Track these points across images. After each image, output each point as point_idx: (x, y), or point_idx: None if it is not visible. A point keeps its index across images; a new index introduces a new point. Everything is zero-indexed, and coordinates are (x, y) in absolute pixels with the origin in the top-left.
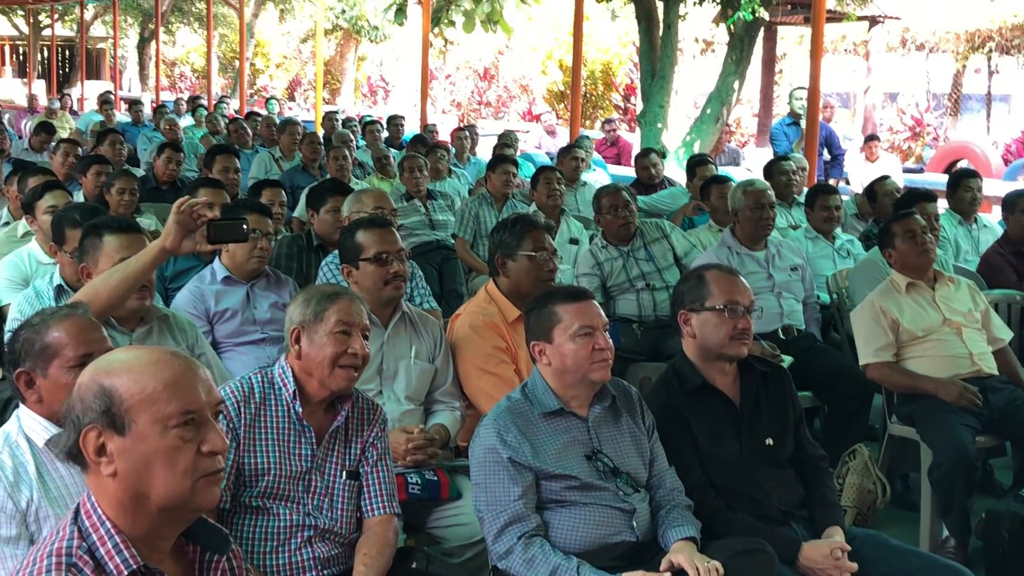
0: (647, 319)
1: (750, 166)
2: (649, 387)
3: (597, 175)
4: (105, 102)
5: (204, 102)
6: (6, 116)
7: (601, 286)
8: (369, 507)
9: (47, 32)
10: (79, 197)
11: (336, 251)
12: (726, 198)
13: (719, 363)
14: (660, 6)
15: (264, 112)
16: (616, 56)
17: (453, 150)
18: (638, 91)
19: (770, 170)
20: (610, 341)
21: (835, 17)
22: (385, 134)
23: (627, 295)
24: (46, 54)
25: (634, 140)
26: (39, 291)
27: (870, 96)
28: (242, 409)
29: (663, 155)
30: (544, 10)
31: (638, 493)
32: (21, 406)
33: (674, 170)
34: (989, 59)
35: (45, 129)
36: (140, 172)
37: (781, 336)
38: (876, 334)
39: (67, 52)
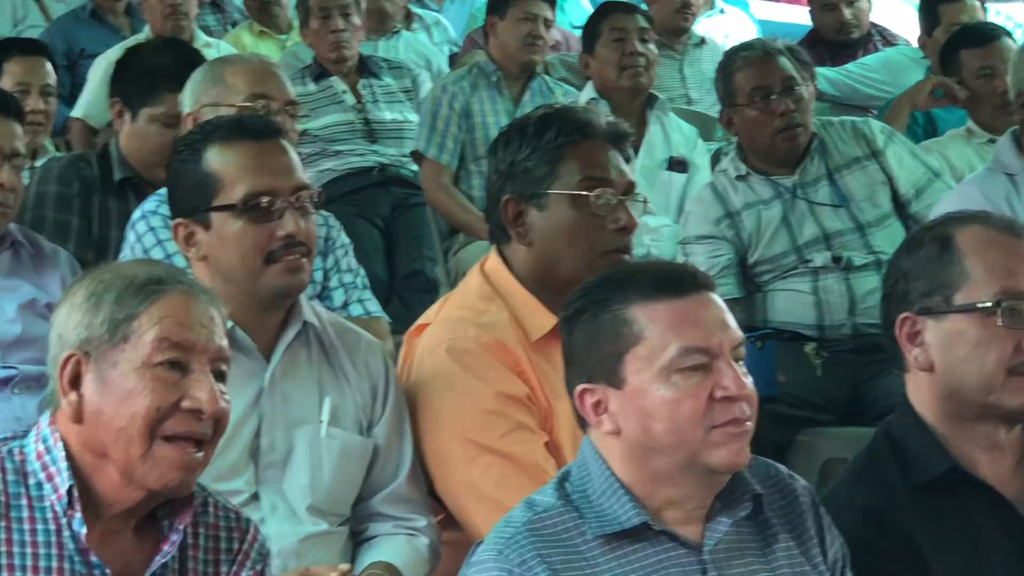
0: (836, 334)
1: None
2: (838, 478)
3: (728, 21)
4: None
5: None
6: None
7: (736, 263)
8: None
9: None
10: None
11: (161, 193)
12: (1002, 70)
13: (986, 426)
14: None
15: None
16: None
17: None
18: None
19: None
20: (750, 384)
21: None
22: None
23: (793, 282)
24: None
25: None
26: None
27: None
28: None
29: None
30: None
31: None
32: None
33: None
34: None
35: None
36: None
37: None
38: None
39: None
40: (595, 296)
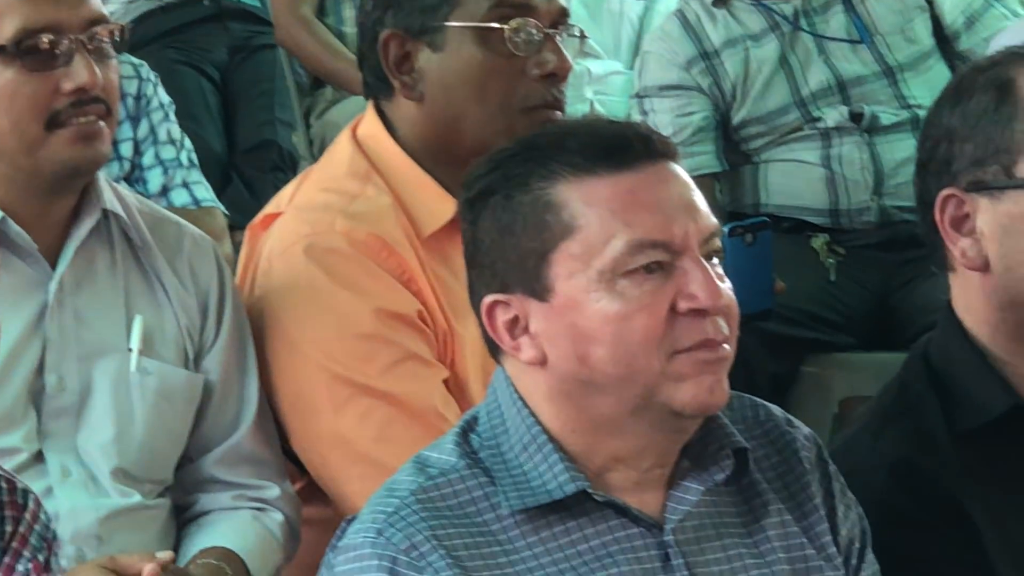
0: (856, 222)
1: None
2: (857, 423)
3: None
4: None
5: None
6: None
7: (715, 124)
8: None
9: None
10: None
11: None
12: None
13: None
14: None
15: None
16: None
17: None
18: None
19: None
20: (728, 291)
21: None
22: None
23: (796, 149)
24: None
25: None
26: None
27: None
28: None
29: None
30: None
31: None
32: None
33: None
34: None
35: None
36: None
37: None
38: None
39: None
40: (508, 171)
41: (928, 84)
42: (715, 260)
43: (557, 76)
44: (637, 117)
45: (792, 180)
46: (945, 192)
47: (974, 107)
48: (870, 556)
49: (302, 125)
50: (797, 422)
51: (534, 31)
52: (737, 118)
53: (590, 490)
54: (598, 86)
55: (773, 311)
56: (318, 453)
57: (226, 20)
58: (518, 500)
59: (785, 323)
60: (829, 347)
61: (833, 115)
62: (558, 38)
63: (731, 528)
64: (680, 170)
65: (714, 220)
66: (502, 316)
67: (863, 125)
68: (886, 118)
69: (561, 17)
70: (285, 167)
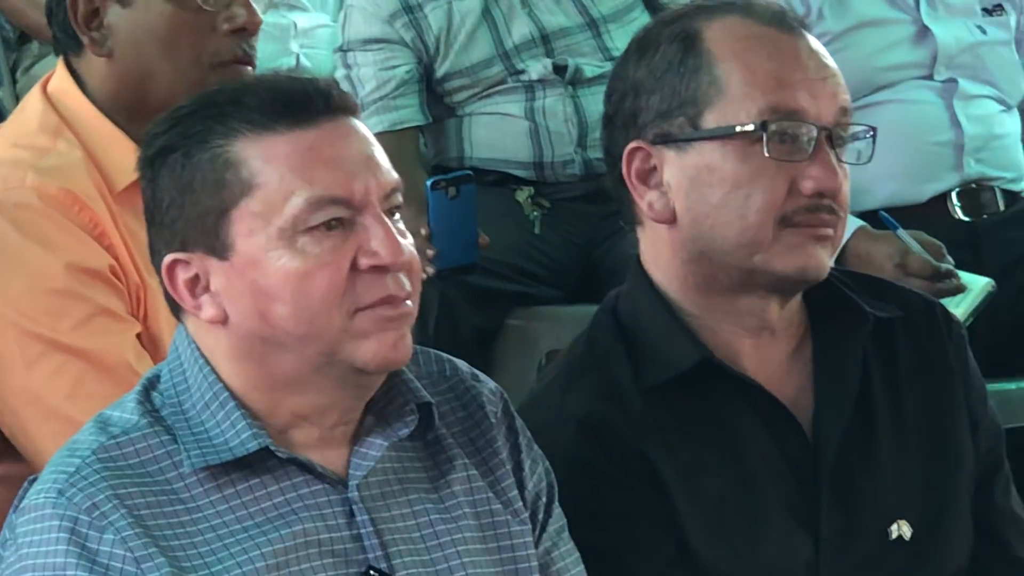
0: (560, 175)
1: None
2: (545, 377)
3: None
4: None
5: None
6: None
7: (419, 77)
8: None
9: None
10: None
11: None
12: None
13: (750, 299)
14: None
15: None
16: None
17: None
18: None
19: None
20: (409, 246)
21: None
22: None
23: (500, 102)
24: None
25: None
26: None
27: None
28: None
29: None
30: None
31: None
32: None
33: None
34: None
35: None
36: None
37: (960, 214)
38: None
39: None
40: (187, 127)
41: (632, 36)
42: (397, 216)
43: (247, 31)
44: (341, 71)
45: (496, 133)
46: (632, 145)
47: (660, 60)
48: (557, 510)
49: (8, 80)
50: (483, 376)
51: None
52: (441, 71)
53: (272, 447)
54: (304, 39)
55: (478, 265)
56: (10, 410)
57: None
58: (200, 458)
59: (489, 276)
60: (534, 300)
61: (536, 68)
62: None
63: (417, 484)
64: (361, 126)
65: (395, 176)
66: (183, 275)
67: (567, 77)
68: (590, 70)
69: None
70: None
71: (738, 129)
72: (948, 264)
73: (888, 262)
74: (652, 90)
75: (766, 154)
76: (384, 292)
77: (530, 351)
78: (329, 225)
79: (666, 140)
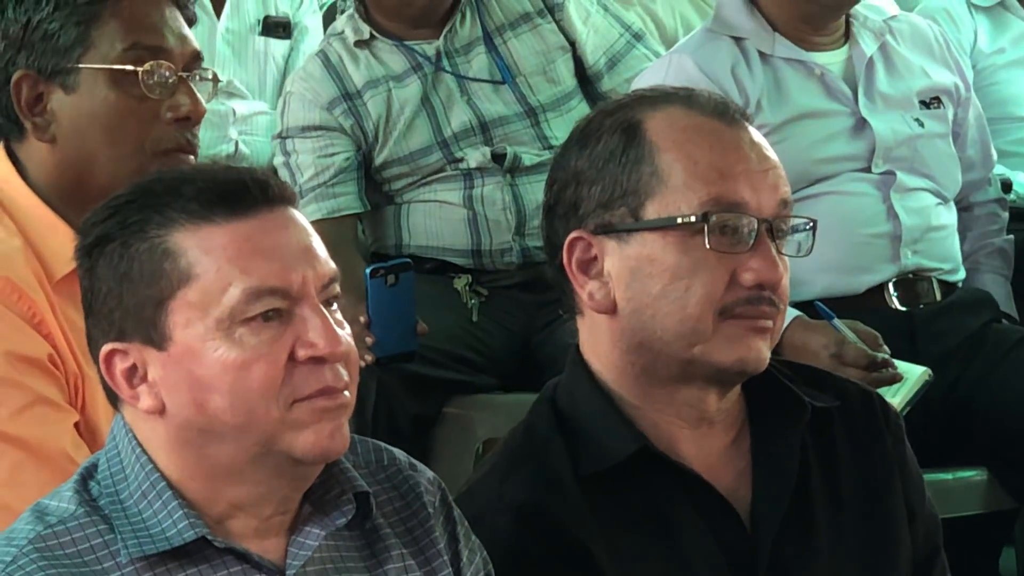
0: (498, 263)
1: None
2: (484, 466)
3: None
4: None
5: None
6: None
7: (358, 165)
8: None
9: None
10: None
11: None
12: None
13: (690, 390)
14: None
15: None
16: None
17: None
18: None
19: None
20: (346, 337)
21: None
22: None
23: (439, 190)
24: None
25: None
26: None
27: None
28: None
29: None
30: None
31: None
32: None
33: None
34: None
35: None
36: None
37: (897, 304)
38: None
39: None
40: (125, 216)
41: (570, 125)
42: (334, 306)
43: (191, 120)
44: (280, 158)
45: (434, 221)
46: (572, 235)
47: (601, 150)
48: None
49: None
50: (421, 466)
51: (168, 74)
52: (379, 159)
53: (209, 536)
54: (243, 126)
55: (416, 352)
56: None
57: None
58: (137, 547)
59: (427, 364)
60: (471, 388)
61: (475, 155)
62: (192, 81)
63: (355, 573)
64: (299, 215)
65: (332, 266)
66: (120, 364)
67: (505, 166)
68: (528, 159)
69: (195, 60)
70: None
71: (679, 220)
72: (884, 353)
73: (824, 352)
74: (594, 180)
75: (707, 246)
76: (322, 384)
77: (467, 439)
78: (266, 316)
79: (607, 230)
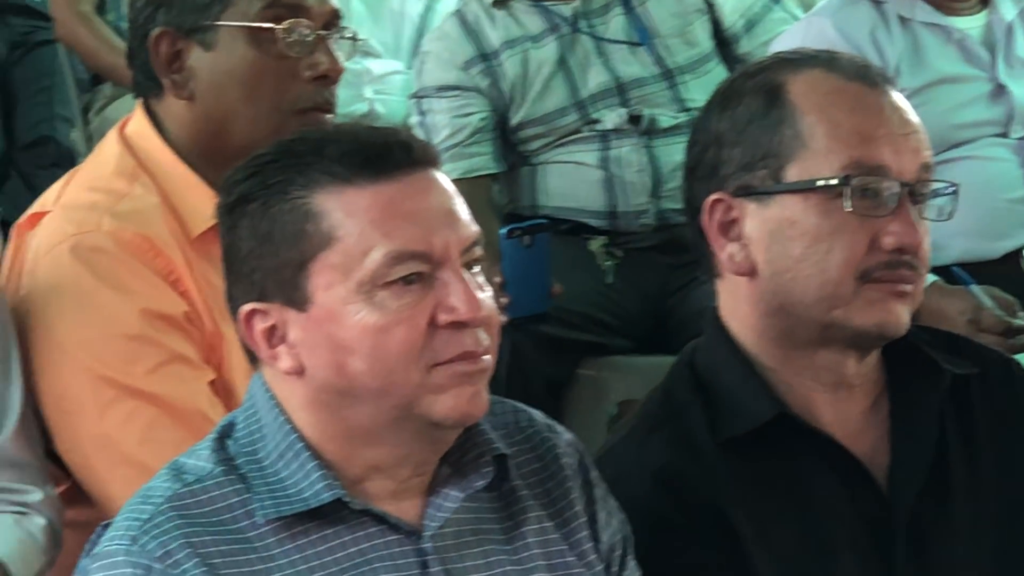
0: (633, 224)
1: None
2: (622, 429)
3: None
4: None
5: None
6: None
7: (493, 125)
8: None
9: None
10: None
11: None
12: None
13: (829, 354)
14: None
15: None
16: None
17: None
18: None
19: None
20: (489, 301)
21: None
22: None
23: (575, 151)
24: None
25: None
26: None
27: None
28: None
29: None
30: None
31: None
32: None
33: None
34: None
35: None
36: None
37: None
38: None
39: None
40: (267, 177)
41: (707, 87)
42: (476, 268)
43: (329, 78)
44: (415, 117)
45: (570, 182)
46: (713, 197)
47: (743, 112)
48: (632, 563)
49: (81, 121)
50: (559, 427)
51: (307, 32)
52: (515, 119)
53: (346, 498)
54: (378, 85)
55: (549, 314)
56: (82, 455)
57: (5, 15)
58: (273, 508)
59: (561, 326)
60: (605, 350)
61: (611, 117)
62: (331, 40)
63: (491, 535)
64: (442, 178)
65: (475, 228)
66: (260, 324)
67: (641, 127)
68: (664, 121)
69: (334, 19)
70: (64, 163)
71: (820, 183)
72: (1022, 320)
73: (961, 318)
74: (735, 142)
75: (848, 209)
76: (462, 348)
77: (601, 401)
78: (408, 280)
79: (748, 192)
